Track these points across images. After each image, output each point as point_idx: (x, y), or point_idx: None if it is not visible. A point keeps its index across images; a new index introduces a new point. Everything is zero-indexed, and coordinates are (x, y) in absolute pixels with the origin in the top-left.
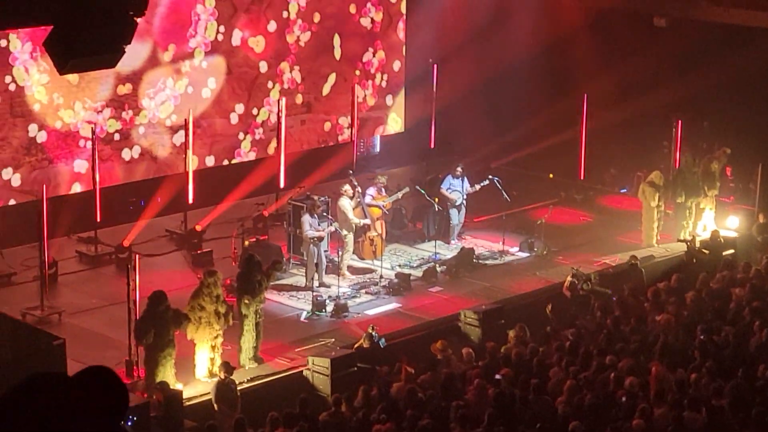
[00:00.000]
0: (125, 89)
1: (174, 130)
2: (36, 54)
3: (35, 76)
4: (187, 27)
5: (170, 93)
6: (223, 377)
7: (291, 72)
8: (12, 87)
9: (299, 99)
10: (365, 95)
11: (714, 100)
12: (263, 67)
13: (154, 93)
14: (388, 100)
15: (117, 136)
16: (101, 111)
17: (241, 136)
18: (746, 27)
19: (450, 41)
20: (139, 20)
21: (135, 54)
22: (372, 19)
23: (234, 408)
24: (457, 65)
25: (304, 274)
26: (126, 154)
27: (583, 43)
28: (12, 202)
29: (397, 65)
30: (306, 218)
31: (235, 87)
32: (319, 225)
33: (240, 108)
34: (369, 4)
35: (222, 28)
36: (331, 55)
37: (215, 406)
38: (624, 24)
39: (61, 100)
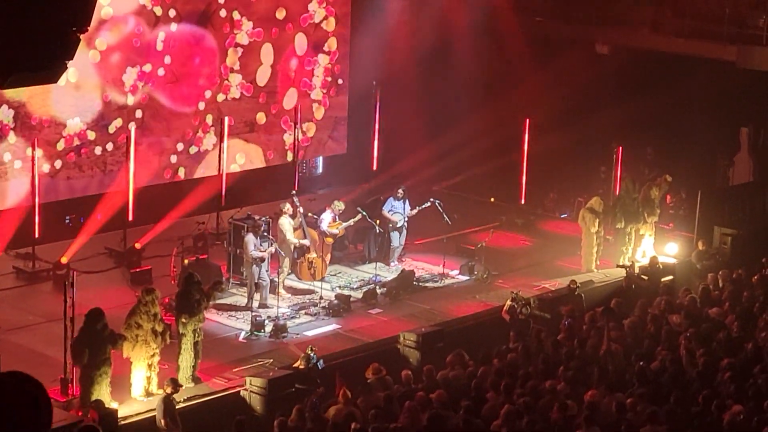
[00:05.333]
0: (70, 105)
1: (116, 146)
2: None
3: None
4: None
5: (113, 109)
6: (169, 392)
7: (234, 89)
8: None
9: (242, 118)
10: (308, 116)
11: (657, 127)
12: (210, 86)
13: (95, 109)
14: (331, 121)
15: (60, 150)
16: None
17: (183, 153)
18: (688, 55)
19: (394, 65)
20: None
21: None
22: (317, 39)
23: (177, 425)
24: (401, 88)
25: (245, 294)
26: (66, 169)
27: (526, 68)
28: None
29: (340, 87)
30: (250, 238)
31: (179, 104)
32: (261, 245)
33: (183, 126)
34: (313, 25)
35: (167, 59)
36: (274, 75)
37: (162, 421)
38: (566, 50)
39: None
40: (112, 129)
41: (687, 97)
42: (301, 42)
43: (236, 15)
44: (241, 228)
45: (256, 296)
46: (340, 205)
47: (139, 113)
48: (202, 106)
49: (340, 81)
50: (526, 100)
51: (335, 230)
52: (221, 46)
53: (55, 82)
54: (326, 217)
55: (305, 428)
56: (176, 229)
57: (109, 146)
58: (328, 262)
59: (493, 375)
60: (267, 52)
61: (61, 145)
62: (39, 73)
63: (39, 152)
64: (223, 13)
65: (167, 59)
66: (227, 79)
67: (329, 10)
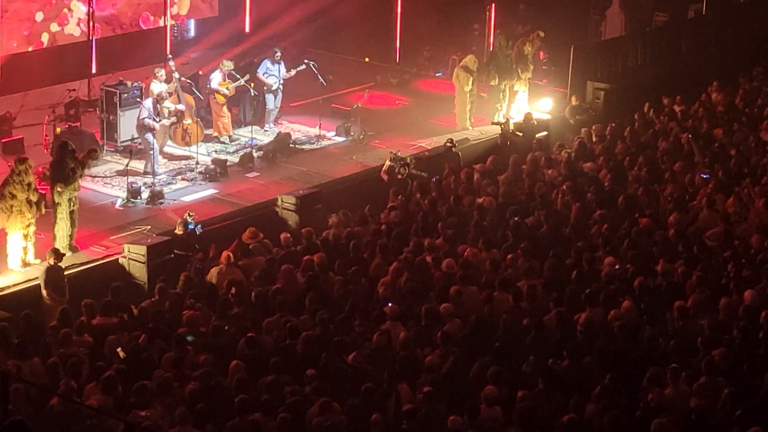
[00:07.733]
0: None
1: None
2: None
3: None
4: None
5: None
6: (52, 263)
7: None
8: None
9: None
10: None
11: None
12: None
13: None
14: None
15: None
16: None
17: (51, 20)
18: None
19: None
20: None
21: None
22: None
23: (62, 294)
24: None
25: (120, 161)
26: None
27: None
28: None
29: None
30: (147, 103)
31: None
32: (155, 115)
33: None
34: None
35: None
36: None
37: (44, 291)
38: None
39: None
40: None
41: None
42: None
43: None
44: (114, 94)
45: (139, 163)
46: (229, 65)
47: None
48: None
49: None
50: None
51: (225, 90)
52: None
53: None
54: (216, 77)
55: (188, 293)
56: (47, 96)
57: None
58: (230, 122)
59: (373, 235)
60: None
61: None
62: None
63: None
64: None
65: None
66: None
67: None
